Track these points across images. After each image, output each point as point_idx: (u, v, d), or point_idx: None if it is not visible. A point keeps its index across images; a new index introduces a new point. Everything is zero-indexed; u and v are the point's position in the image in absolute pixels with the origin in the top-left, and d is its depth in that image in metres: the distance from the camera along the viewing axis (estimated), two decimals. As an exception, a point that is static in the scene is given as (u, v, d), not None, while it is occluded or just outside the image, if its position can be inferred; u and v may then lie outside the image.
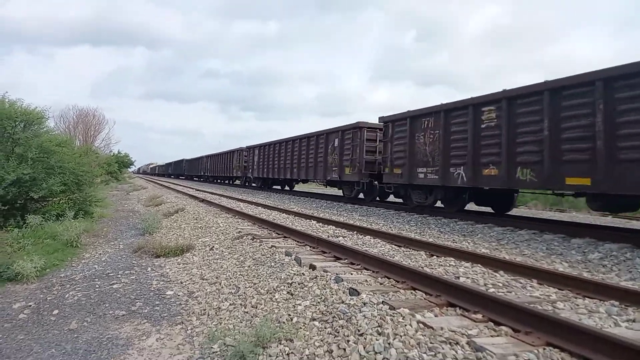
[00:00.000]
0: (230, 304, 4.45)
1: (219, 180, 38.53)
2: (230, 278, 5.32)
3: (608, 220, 13.54)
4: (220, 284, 5.18)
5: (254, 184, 27.91)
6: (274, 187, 25.65)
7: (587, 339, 2.67)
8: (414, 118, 11.29)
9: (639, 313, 3.56)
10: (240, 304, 4.38)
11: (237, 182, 33.38)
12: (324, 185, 19.15)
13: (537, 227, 8.42)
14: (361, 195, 15.37)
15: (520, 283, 4.55)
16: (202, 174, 43.36)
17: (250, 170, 26.89)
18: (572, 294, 4.17)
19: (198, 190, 24.63)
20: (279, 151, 21.64)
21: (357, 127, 14.16)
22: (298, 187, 26.92)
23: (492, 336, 2.99)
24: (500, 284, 4.49)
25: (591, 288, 4.21)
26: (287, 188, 24.96)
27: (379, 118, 12.81)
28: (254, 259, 5.89)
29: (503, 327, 3.09)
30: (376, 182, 13.80)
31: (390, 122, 12.27)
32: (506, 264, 5.25)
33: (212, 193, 21.45)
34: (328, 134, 16.36)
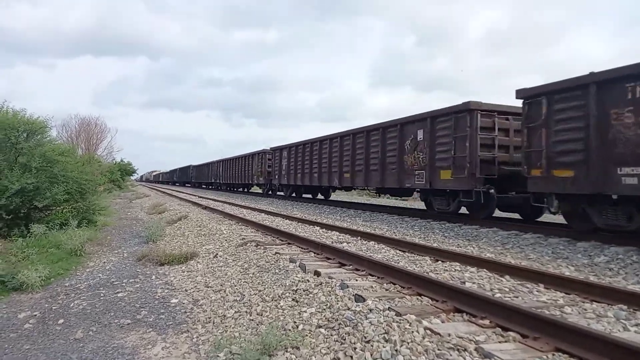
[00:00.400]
0: (235, 312, 4.43)
1: (234, 189, 34.58)
2: (235, 285, 5.31)
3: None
4: (224, 291, 5.17)
5: (280, 193, 23.50)
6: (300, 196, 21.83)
7: (597, 344, 2.65)
8: (606, 83, 6.79)
9: (647, 317, 3.53)
10: (246, 312, 4.37)
11: (259, 190, 28.78)
12: (373, 193, 15.78)
13: (542, 231, 8.38)
14: (462, 209, 11.01)
15: (527, 288, 4.52)
16: (212, 181, 39.53)
17: (277, 176, 22.23)
18: (579, 298, 4.14)
19: (201, 197, 24.65)
20: (319, 152, 17.08)
21: (467, 110, 9.56)
22: (335, 196, 23.02)
23: (500, 342, 2.97)
24: (507, 289, 4.46)
25: (598, 292, 4.18)
26: (320, 197, 21.12)
27: (517, 92, 8.32)
28: (258, 266, 5.87)
29: (511, 333, 3.07)
30: (492, 191, 9.45)
31: (543, 96, 7.77)
32: (512, 268, 5.23)
33: (215, 200, 21.47)
34: (403, 124, 11.81)
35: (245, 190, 32.79)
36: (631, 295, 3.97)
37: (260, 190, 28.51)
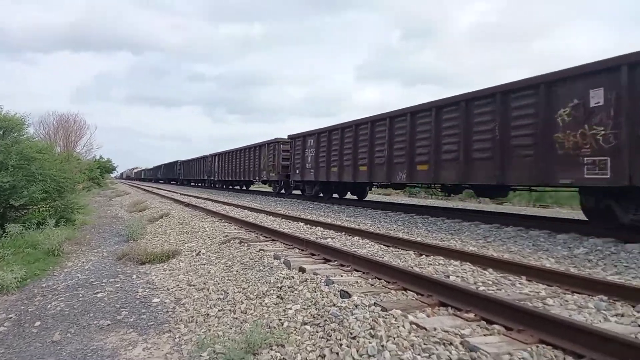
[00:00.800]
0: (219, 310, 4.37)
1: (231, 187, 30.65)
2: (218, 283, 5.24)
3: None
4: (208, 289, 5.10)
5: (304, 192, 18.30)
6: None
7: (579, 335, 2.67)
8: None
9: (627, 307, 3.59)
10: (230, 310, 4.31)
11: (267, 188, 24.43)
12: (437, 192, 11.95)
13: (523, 224, 8.50)
14: None
15: (510, 280, 4.56)
16: (205, 178, 35.41)
17: (298, 171, 17.58)
18: (560, 290, 4.19)
19: (184, 194, 24.36)
20: (370, 137, 12.61)
21: None
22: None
23: (485, 335, 2.98)
24: (490, 282, 4.49)
25: (579, 283, 4.24)
26: (352, 197, 16.99)
27: None
28: (242, 263, 5.81)
29: (496, 326, 3.08)
30: None
31: None
32: (495, 261, 5.28)
33: (197, 197, 21.23)
34: (550, 84, 7.44)
35: (244, 188, 28.95)
36: (610, 285, 4.04)
37: (268, 189, 23.93)
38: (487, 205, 18.29)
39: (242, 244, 7.01)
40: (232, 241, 7.29)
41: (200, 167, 37.28)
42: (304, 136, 17.27)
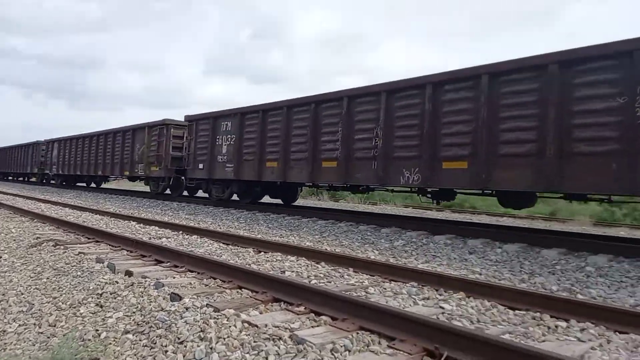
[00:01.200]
0: (20, 325, 3.70)
1: (75, 184, 24.51)
2: (22, 293, 4.45)
3: (409, 211, 15.74)
4: (7, 301, 4.28)
5: (208, 194, 13.80)
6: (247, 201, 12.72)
7: (392, 319, 2.96)
8: None
9: (432, 292, 4.15)
10: (34, 324, 3.68)
11: (132, 184, 19.48)
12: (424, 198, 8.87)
13: (354, 219, 9.26)
14: None
15: (339, 272, 4.88)
16: (35, 171, 28.26)
17: (203, 166, 13.16)
18: (381, 279, 4.65)
19: (-16, 189, 20.28)
20: (345, 118, 8.97)
21: None
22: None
23: (312, 327, 3.09)
24: (322, 275, 4.74)
25: (396, 272, 4.76)
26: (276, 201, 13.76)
27: None
28: (55, 269, 5.03)
29: (323, 317, 3.23)
30: None
31: None
32: (327, 255, 5.60)
33: (4, 193, 17.91)
34: None
35: (95, 186, 23.54)
36: (420, 273, 4.63)
37: (140, 188, 18.89)
38: (326, 203, 19.48)
39: (58, 246, 6.10)
40: (44, 244, 6.29)
41: (27, 156, 29.40)
42: (215, 117, 12.82)
